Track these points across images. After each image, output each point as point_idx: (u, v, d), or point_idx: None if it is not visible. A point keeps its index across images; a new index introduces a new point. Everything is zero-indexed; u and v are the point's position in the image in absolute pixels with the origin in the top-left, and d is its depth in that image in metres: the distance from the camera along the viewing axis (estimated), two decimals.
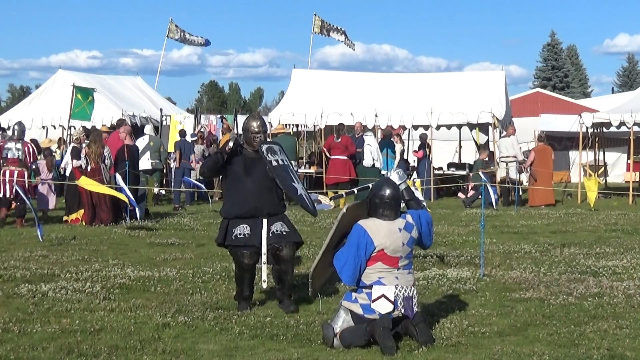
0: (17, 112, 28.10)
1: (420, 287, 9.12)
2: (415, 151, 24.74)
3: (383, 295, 6.97)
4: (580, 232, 15.13)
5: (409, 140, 27.92)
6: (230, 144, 8.31)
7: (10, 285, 9.48)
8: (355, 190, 9.78)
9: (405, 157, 26.63)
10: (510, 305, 8.52)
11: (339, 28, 32.03)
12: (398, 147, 22.18)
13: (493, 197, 19.48)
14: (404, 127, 24.88)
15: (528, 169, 21.98)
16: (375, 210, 7.15)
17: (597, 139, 25.57)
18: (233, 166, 8.36)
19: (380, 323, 6.79)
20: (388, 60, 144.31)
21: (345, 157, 20.59)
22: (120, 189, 15.78)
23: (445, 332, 7.30)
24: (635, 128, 22.83)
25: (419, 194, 11.59)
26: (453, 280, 9.80)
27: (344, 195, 10.08)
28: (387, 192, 7.14)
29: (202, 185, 21.71)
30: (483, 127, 24.94)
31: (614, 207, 20.24)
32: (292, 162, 16.45)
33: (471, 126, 25.02)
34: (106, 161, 16.16)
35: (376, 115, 23.58)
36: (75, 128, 21.79)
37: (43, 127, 26.95)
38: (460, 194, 24.42)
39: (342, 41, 32.52)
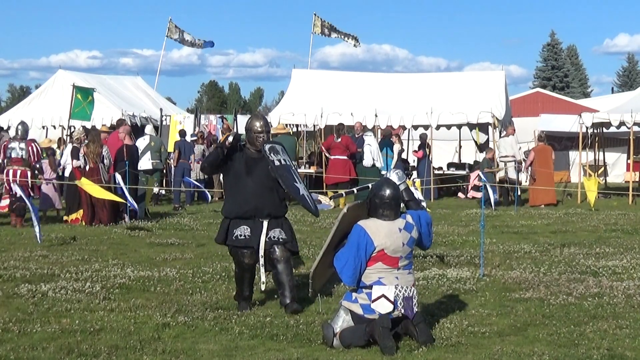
0: (17, 112, 28.11)
1: (420, 287, 9.11)
2: (415, 151, 24.75)
3: (383, 296, 6.97)
4: (580, 232, 15.13)
5: (409, 140, 27.94)
6: (230, 138, 8.29)
7: (10, 285, 9.48)
8: (355, 190, 9.78)
9: (405, 157, 26.66)
10: (510, 305, 8.52)
11: (340, 30, 32.01)
12: (396, 147, 22.17)
13: (492, 198, 19.47)
14: (404, 127, 24.89)
15: (528, 169, 22.00)
16: (375, 210, 7.15)
17: (597, 139, 25.58)
18: (234, 165, 8.31)
19: (380, 323, 6.79)
20: (388, 60, 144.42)
21: (345, 157, 20.59)
22: (119, 190, 15.80)
23: (445, 332, 7.30)
24: (635, 128, 22.84)
25: (418, 194, 11.59)
26: (453, 280, 9.80)
27: (344, 195, 10.09)
28: (387, 192, 7.14)
29: (202, 186, 21.74)
30: (483, 127, 24.94)
31: (614, 207, 20.24)
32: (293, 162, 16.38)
33: (471, 126, 25.02)
34: (105, 161, 16.16)
35: (376, 115, 23.59)
36: (75, 128, 21.80)
37: (43, 127, 26.94)
38: (460, 194, 24.47)
39: (345, 39, 32.50)
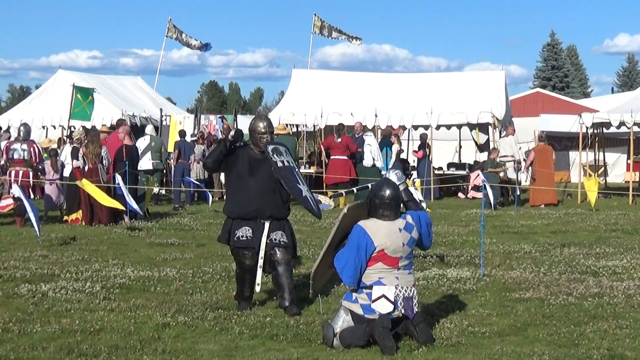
0: (17, 112, 28.13)
1: (420, 287, 9.11)
2: (415, 151, 24.75)
3: (383, 296, 6.97)
4: (580, 232, 15.13)
5: (409, 140, 27.94)
6: (232, 132, 8.27)
7: (10, 285, 9.48)
8: (354, 189, 9.77)
9: (405, 157, 26.66)
10: (510, 305, 8.52)
11: (340, 30, 32.02)
12: (395, 148, 22.16)
13: (492, 198, 19.47)
14: (404, 127, 24.90)
15: (529, 169, 21.99)
16: (375, 210, 7.15)
17: (597, 139, 25.58)
18: (237, 165, 8.27)
19: (380, 323, 6.79)
20: (388, 60, 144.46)
21: (345, 157, 20.59)
22: (118, 190, 15.81)
23: (445, 332, 7.30)
24: (635, 128, 22.84)
25: (418, 194, 11.58)
26: (453, 280, 9.80)
27: (344, 195, 10.07)
28: (387, 192, 7.14)
29: (202, 185, 21.75)
30: (483, 127, 24.95)
31: (614, 207, 20.24)
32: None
33: (471, 126, 25.03)
34: (104, 161, 16.16)
35: (376, 115, 23.60)
36: (75, 128, 21.81)
37: (43, 127, 26.95)
38: (460, 194, 24.47)
39: (345, 39, 32.51)
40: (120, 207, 15.33)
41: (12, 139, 18.14)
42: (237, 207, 8.27)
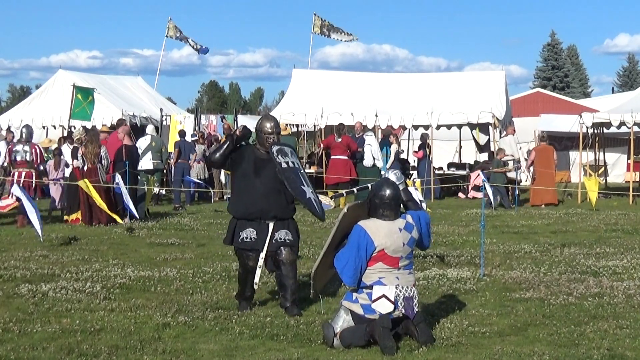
0: (17, 112, 28.14)
1: (420, 287, 9.11)
2: (415, 151, 24.75)
3: (383, 296, 6.97)
4: (581, 232, 15.13)
5: (409, 140, 27.95)
6: (240, 128, 8.23)
7: (10, 285, 9.48)
8: (355, 189, 9.77)
9: (405, 157, 26.66)
10: (511, 305, 8.52)
11: (339, 28, 32.01)
12: (393, 148, 22.15)
13: (492, 199, 19.48)
14: (404, 127, 24.91)
15: (530, 169, 21.98)
16: (375, 210, 7.15)
17: (597, 139, 25.58)
18: (243, 164, 8.23)
19: (380, 323, 6.79)
20: (388, 60, 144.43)
21: (345, 157, 20.60)
22: (117, 189, 15.84)
23: (446, 332, 7.30)
24: (635, 128, 22.83)
25: (419, 194, 11.59)
26: (453, 280, 9.80)
27: (344, 195, 10.07)
28: (387, 192, 7.14)
29: (203, 185, 21.76)
30: (483, 127, 24.95)
31: (614, 207, 20.24)
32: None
33: (471, 126, 25.04)
34: (103, 161, 16.17)
35: (376, 115, 23.61)
36: (75, 128, 21.81)
37: (43, 127, 26.95)
38: (460, 194, 24.47)
39: (344, 40, 32.52)
40: (115, 217, 15.32)
41: (15, 140, 18.22)
42: (241, 207, 8.22)
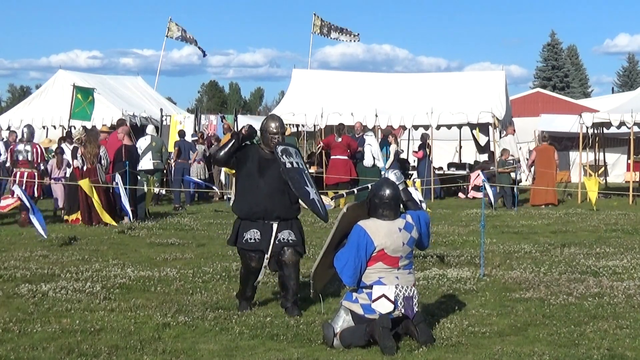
0: (17, 112, 28.15)
1: (420, 287, 9.11)
2: (415, 151, 24.75)
3: (383, 295, 6.97)
4: (581, 232, 15.14)
5: (409, 140, 27.95)
6: (246, 127, 8.20)
7: (10, 285, 9.48)
8: (355, 190, 9.77)
9: (405, 157, 26.66)
10: (511, 305, 8.52)
11: (339, 28, 32.03)
12: (392, 148, 22.15)
13: (493, 198, 19.47)
14: (404, 127, 24.91)
15: (531, 169, 21.98)
16: (375, 210, 7.15)
17: (597, 139, 25.58)
18: (247, 164, 8.21)
19: (380, 323, 6.79)
20: (388, 60, 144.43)
21: (345, 157, 20.60)
22: (117, 190, 15.86)
23: (446, 332, 7.30)
24: (635, 128, 22.83)
25: (419, 194, 11.58)
26: (453, 280, 9.80)
27: (344, 195, 10.06)
28: (387, 192, 7.14)
29: (203, 184, 21.76)
30: (483, 127, 24.95)
31: (614, 207, 20.24)
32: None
33: (471, 126, 25.04)
34: (102, 161, 16.17)
35: (376, 115, 23.61)
36: (75, 128, 21.81)
37: (43, 127, 26.95)
38: (460, 194, 24.47)
39: (345, 40, 32.53)
40: (110, 220, 15.32)
41: (17, 139, 18.32)
42: (245, 207, 8.20)
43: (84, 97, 23.67)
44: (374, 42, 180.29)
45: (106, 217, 15.24)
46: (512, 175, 21.60)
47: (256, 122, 31.37)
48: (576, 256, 11.84)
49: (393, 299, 6.96)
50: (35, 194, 16.47)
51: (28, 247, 12.66)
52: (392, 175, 7.56)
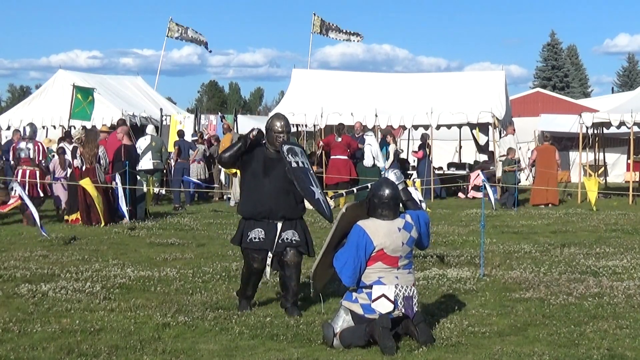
0: (17, 112, 28.14)
1: (420, 287, 9.11)
2: (415, 151, 24.75)
3: (383, 295, 6.97)
4: (580, 232, 15.13)
5: (409, 140, 27.95)
6: (254, 132, 8.17)
7: (10, 285, 9.48)
8: (354, 189, 9.76)
9: (405, 157, 26.66)
10: (510, 305, 8.52)
11: (339, 27, 32.04)
12: (391, 148, 22.15)
13: (493, 198, 19.47)
14: (404, 127, 24.90)
15: (532, 168, 21.97)
16: (374, 210, 7.15)
17: (597, 139, 25.57)
18: (252, 163, 8.18)
19: (380, 323, 6.79)
20: (388, 60, 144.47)
21: (345, 157, 20.60)
22: (116, 190, 15.88)
23: (445, 332, 7.30)
24: (635, 128, 22.83)
25: (418, 194, 11.58)
26: (453, 280, 9.80)
27: (344, 195, 10.07)
28: (386, 192, 7.14)
29: (202, 184, 21.75)
30: (483, 127, 24.95)
31: (614, 207, 20.24)
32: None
33: (471, 126, 25.03)
34: (101, 161, 16.17)
35: (376, 115, 23.61)
36: (75, 128, 21.81)
37: (43, 127, 26.93)
38: (460, 194, 24.47)
39: (345, 39, 32.55)
40: (103, 221, 15.38)
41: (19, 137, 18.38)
42: (250, 206, 8.18)
43: (83, 97, 23.67)
44: (374, 42, 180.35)
45: (104, 217, 15.31)
46: (499, 174, 21.58)
47: (256, 122, 31.42)
48: (576, 256, 11.84)
49: (393, 299, 6.96)
50: (40, 194, 16.53)
51: (28, 247, 12.65)
52: (392, 175, 7.56)
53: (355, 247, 6.99)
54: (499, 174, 21.83)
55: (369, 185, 7.64)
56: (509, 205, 20.26)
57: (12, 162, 17.35)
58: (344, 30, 32.21)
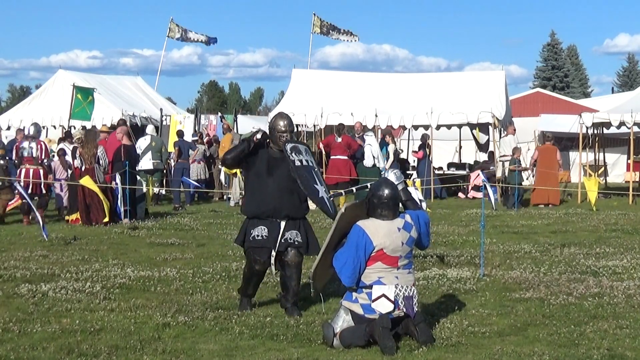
0: (17, 112, 28.14)
1: (420, 287, 9.11)
2: (415, 151, 24.74)
3: (383, 295, 6.97)
4: (580, 232, 15.13)
5: (409, 140, 27.95)
6: (258, 135, 8.16)
7: (10, 285, 9.48)
8: (354, 189, 9.76)
9: (405, 157, 26.65)
10: (510, 305, 8.52)
11: (339, 28, 32.05)
12: (391, 148, 22.16)
13: (493, 198, 19.47)
14: (404, 127, 24.90)
15: (533, 168, 21.97)
16: (373, 210, 7.15)
17: (597, 139, 25.57)
18: (256, 163, 8.17)
19: (380, 323, 6.79)
20: (388, 60, 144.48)
21: (345, 157, 20.60)
22: (116, 190, 15.88)
23: (445, 332, 7.30)
24: (635, 128, 22.83)
25: (419, 194, 11.58)
26: (453, 280, 9.80)
27: (343, 194, 10.05)
28: (386, 192, 7.14)
29: (202, 186, 21.75)
30: (483, 127, 24.95)
31: (614, 207, 20.24)
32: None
33: (471, 126, 25.04)
34: (100, 161, 16.17)
35: (376, 115, 23.61)
36: (75, 128, 21.80)
37: (43, 127, 26.90)
38: (460, 194, 24.47)
39: (344, 40, 32.58)
40: (107, 218, 15.42)
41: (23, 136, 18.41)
42: (253, 206, 8.17)
43: (83, 97, 23.67)
44: (373, 42, 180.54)
45: (107, 215, 15.33)
46: (499, 174, 21.56)
47: (256, 122, 31.43)
48: (576, 256, 11.84)
49: (393, 299, 6.96)
50: (43, 191, 16.56)
51: (28, 247, 12.65)
52: (392, 175, 7.56)
53: (355, 247, 6.99)
54: (499, 174, 21.82)
55: (368, 185, 7.64)
56: (509, 205, 20.24)
57: (15, 161, 17.38)
58: (342, 30, 32.20)
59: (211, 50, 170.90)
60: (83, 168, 16.04)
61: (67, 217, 16.57)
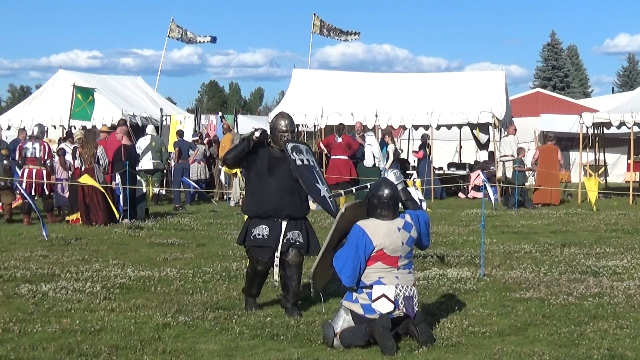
0: (17, 112, 28.13)
1: (420, 287, 9.11)
2: (415, 151, 24.74)
3: (383, 295, 6.97)
4: (581, 232, 15.13)
5: (409, 140, 27.94)
6: (257, 133, 8.14)
7: (10, 285, 9.48)
8: (353, 189, 9.76)
9: (405, 157, 26.65)
10: (511, 305, 8.52)
11: (339, 28, 32.06)
12: (390, 148, 22.16)
13: (493, 198, 19.47)
14: (404, 127, 24.90)
15: (533, 167, 21.97)
16: (373, 210, 7.15)
17: (597, 139, 25.57)
18: (257, 163, 8.16)
19: (380, 323, 6.79)
20: (388, 60, 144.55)
21: (345, 157, 20.60)
22: (117, 190, 15.89)
23: (446, 332, 7.30)
24: (635, 128, 22.83)
25: (419, 194, 11.58)
26: (453, 280, 9.80)
27: (343, 194, 10.06)
28: (386, 192, 7.14)
29: (198, 187, 21.75)
30: (483, 127, 24.95)
31: (614, 207, 20.24)
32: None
33: (471, 126, 25.04)
34: (100, 161, 16.16)
35: (376, 115, 23.61)
36: (75, 128, 21.80)
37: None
38: (460, 194, 24.47)
39: (344, 39, 32.59)
40: (115, 212, 15.42)
41: (26, 137, 18.46)
42: (255, 206, 8.16)
43: (84, 97, 23.67)
44: (374, 42, 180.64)
45: (116, 212, 15.38)
46: (508, 175, 21.53)
47: (256, 122, 31.43)
48: (576, 256, 11.84)
49: (393, 299, 6.96)
50: (46, 192, 16.57)
51: (28, 247, 12.65)
52: (392, 175, 7.56)
53: (355, 247, 6.99)
54: (499, 174, 21.81)
55: (368, 185, 7.64)
56: (509, 205, 20.22)
57: (18, 161, 17.42)
58: (343, 31, 32.20)
59: (211, 50, 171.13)
60: (83, 168, 16.04)
61: (67, 217, 16.57)
